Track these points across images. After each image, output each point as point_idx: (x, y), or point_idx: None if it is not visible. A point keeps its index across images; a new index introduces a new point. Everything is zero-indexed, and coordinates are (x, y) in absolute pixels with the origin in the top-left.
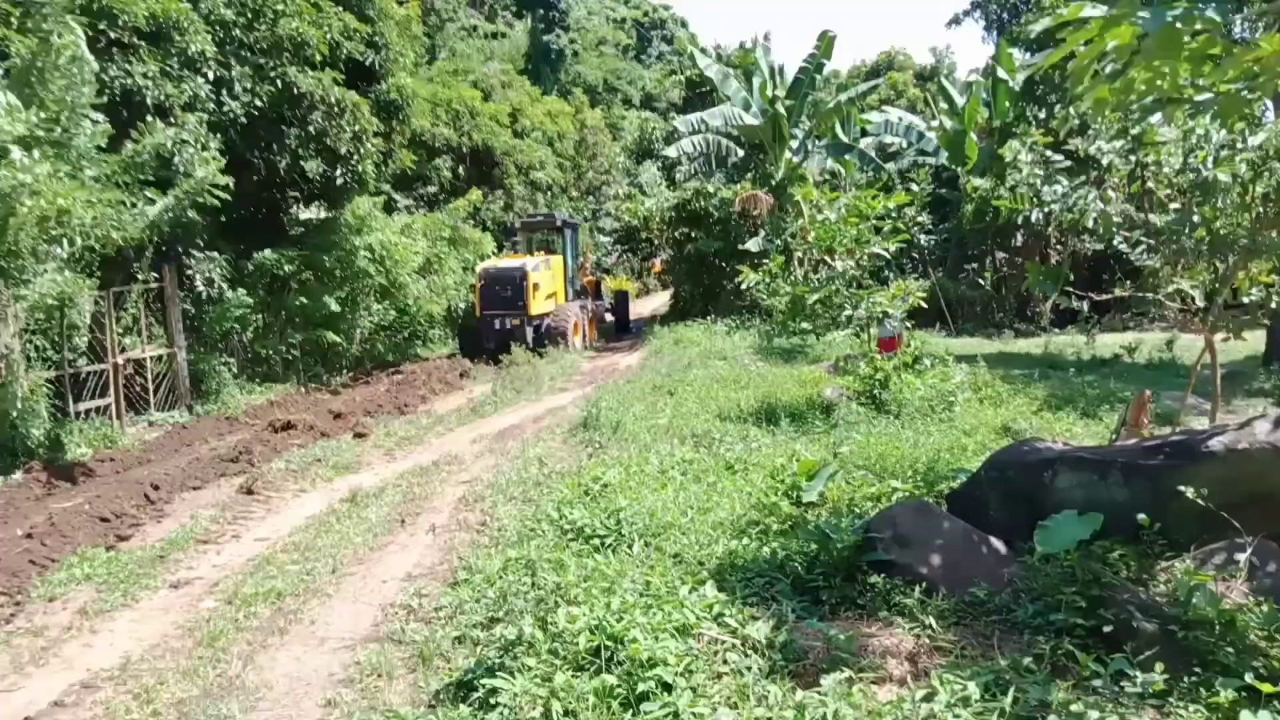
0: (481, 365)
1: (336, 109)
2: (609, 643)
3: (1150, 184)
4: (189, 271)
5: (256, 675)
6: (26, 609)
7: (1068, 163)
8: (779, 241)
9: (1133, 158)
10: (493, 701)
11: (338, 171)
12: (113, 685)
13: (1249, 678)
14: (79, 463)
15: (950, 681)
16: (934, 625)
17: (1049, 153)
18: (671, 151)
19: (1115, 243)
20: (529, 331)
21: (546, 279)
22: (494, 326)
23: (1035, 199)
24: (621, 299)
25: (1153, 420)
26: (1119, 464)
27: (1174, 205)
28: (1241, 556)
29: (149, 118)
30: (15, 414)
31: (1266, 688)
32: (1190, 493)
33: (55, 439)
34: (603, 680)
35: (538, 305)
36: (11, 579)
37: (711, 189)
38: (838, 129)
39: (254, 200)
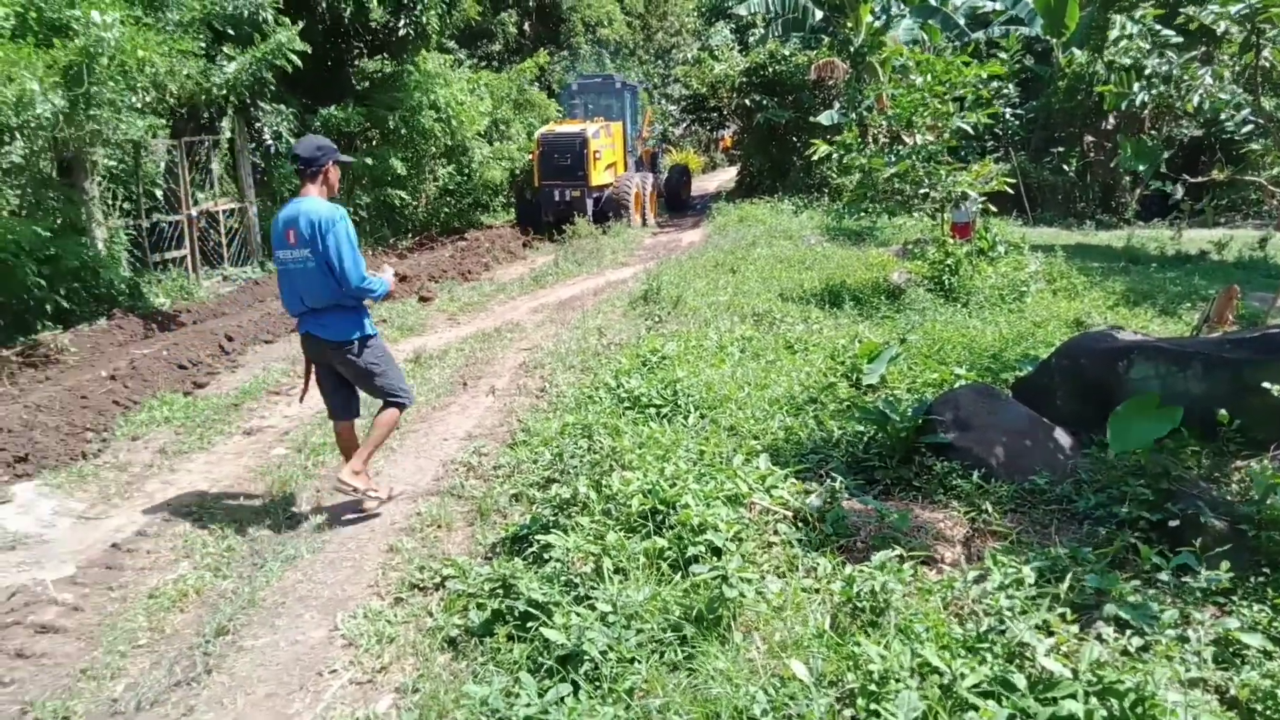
0: (540, 238)
1: None
2: (661, 506)
3: (1267, 53)
4: (257, 124)
5: (324, 519)
6: (112, 445)
7: (1179, 38)
8: (854, 115)
9: (1249, 25)
10: (546, 556)
11: (401, 21)
12: (190, 520)
13: None
14: (158, 311)
15: (1004, 564)
16: (990, 510)
17: (1157, 26)
18: (744, 10)
19: (1223, 120)
20: (589, 204)
21: (607, 147)
22: (553, 198)
23: (1138, 74)
24: (678, 173)
25: (1239, 318)
26: (1200, 355)
27: None
28: None
29: None
30: (92, 258)
31: None
32: (1276, 390)
33: (135, 288)
34: (654, 542)
35: (598, 176)
36: (98, 417)
37: (788, 52)
38: None
39: (319, 52)
